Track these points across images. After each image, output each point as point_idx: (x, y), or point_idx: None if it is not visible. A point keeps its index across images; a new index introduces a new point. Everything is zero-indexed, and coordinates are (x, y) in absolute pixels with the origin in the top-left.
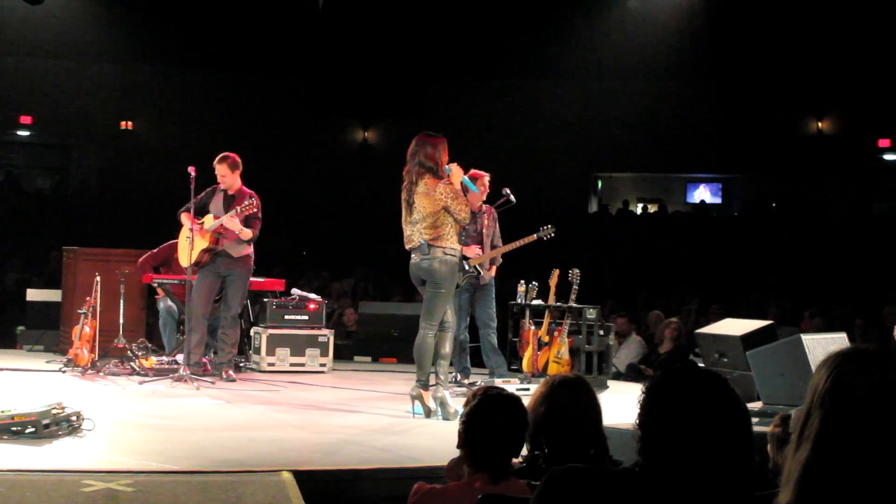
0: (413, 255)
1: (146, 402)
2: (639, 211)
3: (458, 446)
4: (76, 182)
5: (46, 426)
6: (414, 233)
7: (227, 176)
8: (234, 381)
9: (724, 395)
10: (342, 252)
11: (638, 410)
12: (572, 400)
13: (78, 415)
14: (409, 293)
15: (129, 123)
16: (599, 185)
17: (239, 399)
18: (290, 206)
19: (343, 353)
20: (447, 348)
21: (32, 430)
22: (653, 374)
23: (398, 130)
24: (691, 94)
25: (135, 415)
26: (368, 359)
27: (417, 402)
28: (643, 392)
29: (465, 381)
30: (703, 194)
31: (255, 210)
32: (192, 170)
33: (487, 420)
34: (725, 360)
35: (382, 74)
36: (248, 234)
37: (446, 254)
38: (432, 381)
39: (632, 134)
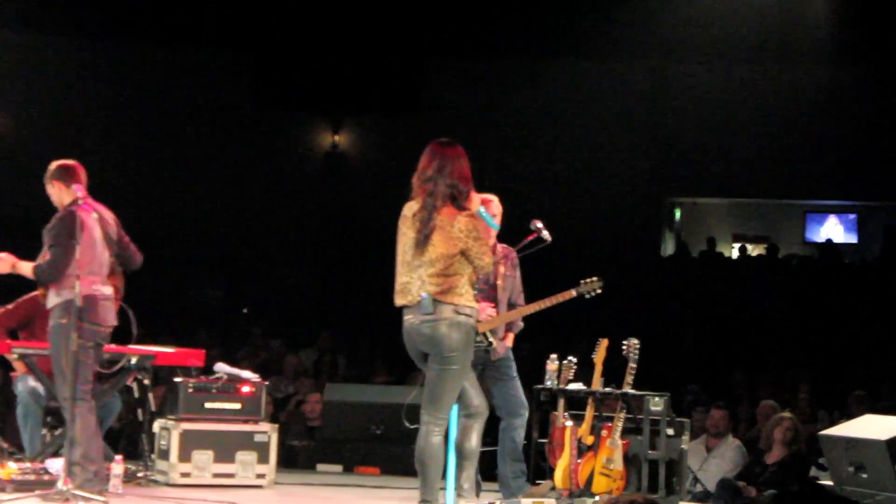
0: (408, 315)
1: None
2: (735, 254)
3: None
4: None
5: None
6: (413, 281)
7: (52, 195)
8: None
9: None
10: (301, 309)
11: None
12: None
13: None
14: (400, 370)
15: None
16: (678, 214)
17: None
18: (225, 240)
19: (302, 460)
20: (474, 441)
21: None
22: (757, 496)
23: (381, 132)
24: (816, 82)
25: None
26: (339, 468)
27: None
28: None
29: (475, 500)
30: (831, 230)
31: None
32: (78, 189)
33: None
34: (864, 475)
35: (360, 54)
36: (22, 269)
37: (459, 313)
38: (442, 498)
39: (726, 142)
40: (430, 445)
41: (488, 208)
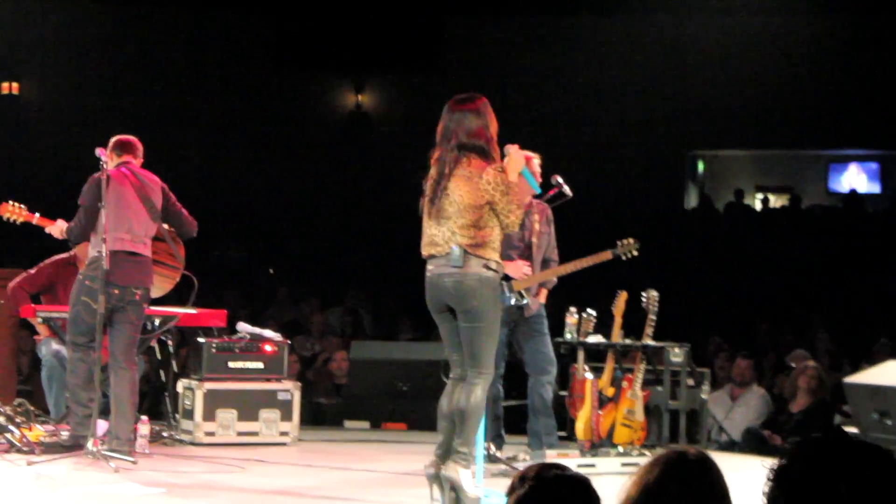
0: (432, 266)
1: (48, 494)
2: (759, 205)
3: None
4: None
5: None
6: (439, 234)
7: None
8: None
9: (890, 479)
10: (327, 269)
11: (764, 499)
12: (700, 489)
13: None
14: (426, 328)
15: (14, 85)
16: (700, 167)
17: (182, 486)
18: (249, 201)
19: (329, 418)
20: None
21: None
22: (782, 444)
23: (405, 91)
24: (836, 32)
25: None
26: (366, 424)
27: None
28: (771, 475)
29: (500, 455)
30: (853, 180)
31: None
32: (101, 152)
33: None
34: (889, 422)
35: (381, 12)
36: (54, 228)
37: (489, 269)
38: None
39: (748, 93)
40: (473, 401)
41: (529, 166)
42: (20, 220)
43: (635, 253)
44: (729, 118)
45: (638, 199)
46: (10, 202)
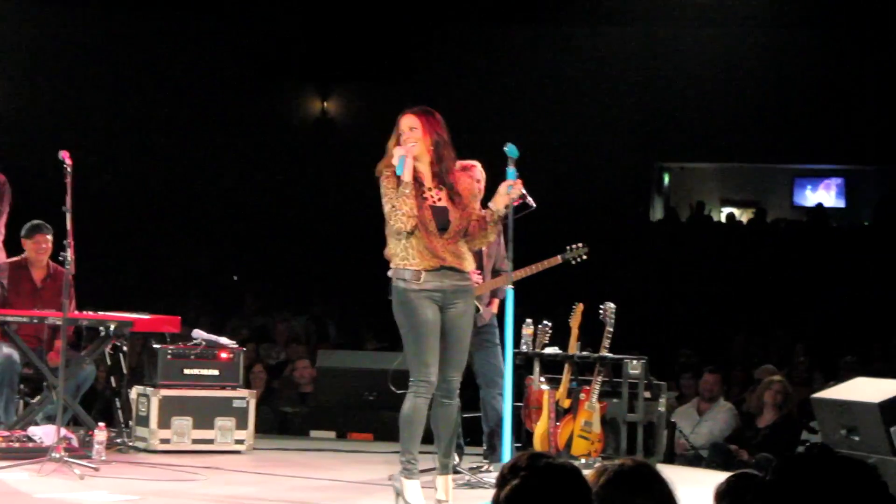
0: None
1: (21, 501)
2: (724, 218)
3: None
4: None
5: None
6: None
7: None
8: None
9: (876, 495)
10: (292, 276)
11: None
12: (643, 500)
13: None
14: (390, 338)
15: None
16: (666, 179)
17: (151, 494)
18: (215, 206)
19: (293, 426)
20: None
21: None
22: (748, 458)
23: (371, 99)
24: (805, 47)
25: None
26: (332, 434)
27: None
28: (736, 486)
29: (460, 466)
30: (819, 195)
31: None
32: (65, 155)
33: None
34: (856, 438)
35: (349, 19)
36: None
37: (396, 278)
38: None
39: (715, 106)
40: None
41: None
42: None
43: (584, 257)
44: (696, 131)
45: (604, 209)
46: None
